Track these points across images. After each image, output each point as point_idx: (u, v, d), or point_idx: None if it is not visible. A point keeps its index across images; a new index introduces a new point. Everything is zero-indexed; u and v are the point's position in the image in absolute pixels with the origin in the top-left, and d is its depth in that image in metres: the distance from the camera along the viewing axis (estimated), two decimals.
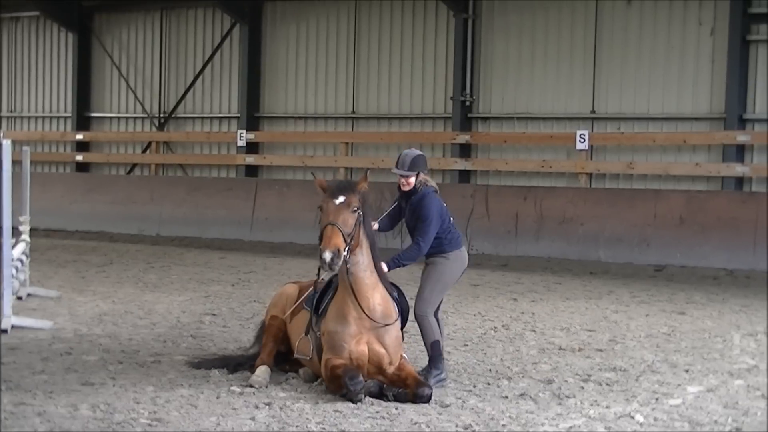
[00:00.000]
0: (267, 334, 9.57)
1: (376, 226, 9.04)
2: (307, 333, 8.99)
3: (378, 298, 8.68)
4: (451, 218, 9.26)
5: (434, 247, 9.05)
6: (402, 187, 9.11)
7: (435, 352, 9.04)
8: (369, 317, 8.59)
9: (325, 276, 8.84)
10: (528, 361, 10.43)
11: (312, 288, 9.22)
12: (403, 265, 9.02)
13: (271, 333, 9.53)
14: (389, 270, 8.91)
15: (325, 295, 8.96)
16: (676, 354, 10.95)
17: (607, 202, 20.41)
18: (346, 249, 8.37)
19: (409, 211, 9.08)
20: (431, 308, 9.13)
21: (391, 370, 8.61)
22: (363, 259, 8.63)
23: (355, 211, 8.51)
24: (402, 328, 9.02)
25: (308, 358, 8.98)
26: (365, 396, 8.35)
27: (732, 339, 11.96)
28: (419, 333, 9.33)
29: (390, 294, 8.84)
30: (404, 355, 8.94)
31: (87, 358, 9.97)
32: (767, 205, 18.59)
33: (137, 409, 7.95)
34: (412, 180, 9.01)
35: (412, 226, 9.10)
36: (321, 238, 8.42)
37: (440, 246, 9.07)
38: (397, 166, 9.03)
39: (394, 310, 8.78)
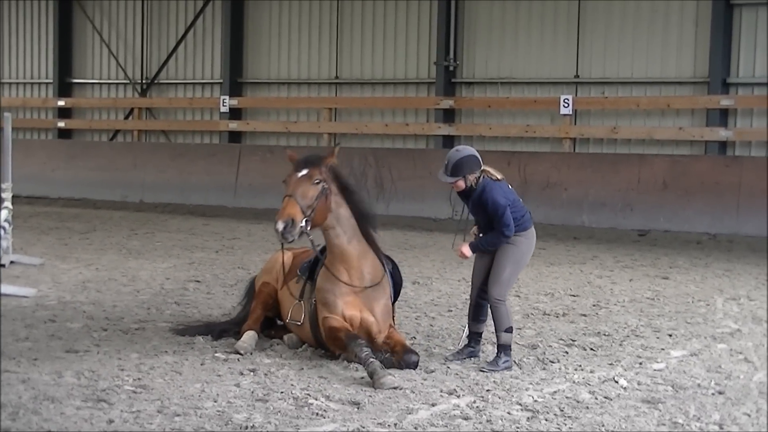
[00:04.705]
0: (256, 301, 9.57)
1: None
2: (301, 299, 8.99)
3: (368, 267, 8.69)
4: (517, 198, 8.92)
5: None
6: (454, 188, 8.78)
7: (508, 340, 8.66)
8: (348, 284, 8.59)
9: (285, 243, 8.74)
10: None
11: (304, 254, 9.22)
12: (484, 250, 8.79)
13: (260, 299, 9.53)
14: (473, 252, 8.74)
15: (318, 263, 8.94)
16: (659, 318, 10.99)
17: (590, 167, 20.41)
18: (305, 220, 8.37)
19: (472, 206, 8.80)
20: (508, 292, 8.83)
21: (380, 339, 8.62)
22: (342, 230, 8.63)
23: (318, 183, 8.48)
24: (394, 302, 9.01)
25: (300, 323, 8.99)
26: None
27: (715, 303, 12.02)
28: (396, 316, 9.25)
29: (383, 265, 8.82)
30: (393, 324, 8.94)
31: (71, 326, 9.94)
32: None
33: (122, 376, 7.94)
34: (461, 183, 8.67)
35: (479, 220, 8.84)
36: None
37: (517, 226, 8.72)
38: (443, 170, 8.67)
39: (383, 277, 8.75)
